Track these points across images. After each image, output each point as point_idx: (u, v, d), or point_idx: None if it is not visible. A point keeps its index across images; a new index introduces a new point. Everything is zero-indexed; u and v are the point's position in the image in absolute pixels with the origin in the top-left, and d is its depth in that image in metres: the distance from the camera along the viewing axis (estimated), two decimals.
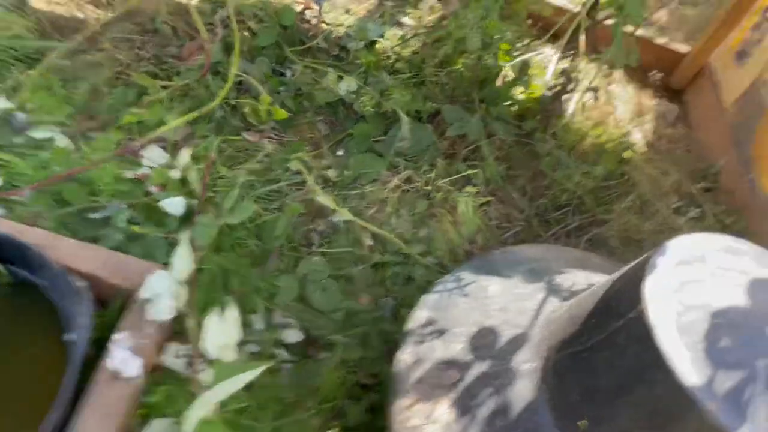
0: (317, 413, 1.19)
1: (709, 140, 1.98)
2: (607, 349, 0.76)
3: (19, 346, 1.02)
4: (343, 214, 1.44)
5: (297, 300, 1.33)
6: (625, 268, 0.82)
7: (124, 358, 1.04)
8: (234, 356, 0.87)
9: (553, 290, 0.98)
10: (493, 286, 1.01)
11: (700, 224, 1.74)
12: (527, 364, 0.87)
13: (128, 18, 1.65)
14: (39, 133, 1.38)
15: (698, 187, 1.85)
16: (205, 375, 0.86)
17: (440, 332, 0.95)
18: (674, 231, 1.73)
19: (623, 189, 1.73)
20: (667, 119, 2.12)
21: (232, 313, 0.85)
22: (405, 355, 0.94)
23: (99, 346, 1.08)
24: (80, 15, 1.66)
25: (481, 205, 1.59)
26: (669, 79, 2.27)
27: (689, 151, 2.01)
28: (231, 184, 1.46)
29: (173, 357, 1.17)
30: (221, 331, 0.83)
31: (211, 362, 1.10)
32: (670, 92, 2.26)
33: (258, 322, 1.28)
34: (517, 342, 0.91)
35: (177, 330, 1.21)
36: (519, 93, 1.75)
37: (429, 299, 1.03)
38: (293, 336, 1.28)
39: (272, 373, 1.21)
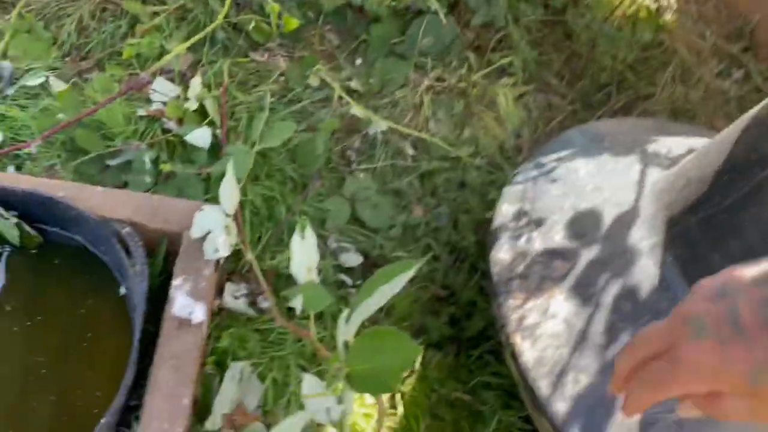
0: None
1: None
2: (754, 204, 0.67)
3: (73, 309, 0.92)
4: (380, 124, 1.32)
5: (349, 222, 1.23)
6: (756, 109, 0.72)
7: (186, 304, 0.95)
8: (317, 279, 0.78)
9: (650, 160, 0.88)
10: (582, 166, 0.91)
11: (746, 86, 1.64)
12: (645, 241, 0.78)
13: None
14: (31, 80, 1.23)
15: (737, 47, 1.73)
16: (295, 302, 0.76)
17: (536, 223, 0.86)
18: (722, 96, 1.63)
19: (662, 59, 1.61)
20: None
21: (310, 235, 0.74)
22: (501, 254, 0.85)
23: (152, 296, 0.98)
24: None
25: (520, 96, 1.47)
26: None
27: (719, 10, 1.88)
28: (251, 108, 1.32)
29: (232, 297, 1.08)
30: (305, 254, 0.73)
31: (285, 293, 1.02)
32: None
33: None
34: (626, 220, 0.82)
35: (230, 269, 1.12)
36: None
37: (512, 191, 0.93)
38: (352, 259, 1.19)
39: (340, 301, 1.13)
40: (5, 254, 0.97)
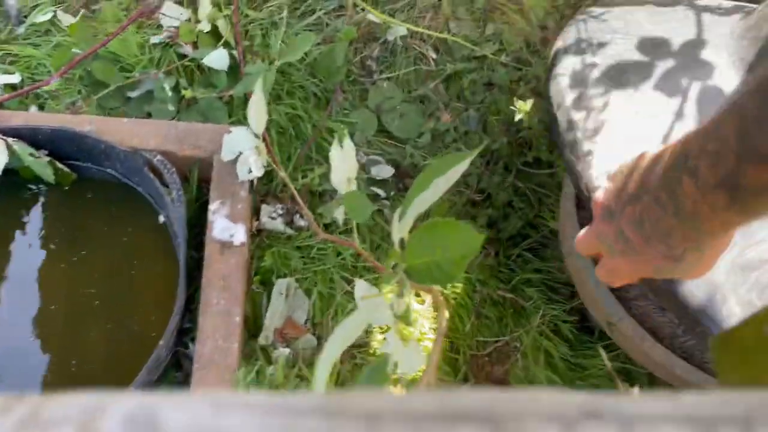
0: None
1: None
2: None
3: (116, 240, 0.94)
4: (399, 29, 1.27)
5: (377, 134, 1.21)
6: None
7: (226, 226, 0.95)
8: (356, 188, 0.77)
9: (705, 11, 0.85)
10: (639, 14, 0.87)
11: None
12: (723, 58, 0.76)
13: None
14: (40, 17, 1.19)
15: None
16: (338, 213, 0.76)
17: (599, 45, 0.83)
18: None
19: None
20: None
21: (349, 144, 0.73)
22: (562, 70, 0.83)
23: (191, 223, 0.99)
24: None
25: None
26: None
27: None
28: (264, 25, 1.28)
29: (269, 218, 1.09)
30: (344, 164, 0.72)
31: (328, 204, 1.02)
32: None
33: None
34: (702, 43, 0.80)
35: (263, 191, 1.12)
36: None
37: (568, 31, 0.89)
38: (384, 171, 1.17)
39: (377, 214, 1.12)
40: (41, 193, 0.98)
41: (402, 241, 0.44)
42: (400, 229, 0.42)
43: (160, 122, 1.02)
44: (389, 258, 0.45)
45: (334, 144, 0.79)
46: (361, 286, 0.66)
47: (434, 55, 1.30)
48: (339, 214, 0.76)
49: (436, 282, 0.40)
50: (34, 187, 0.98)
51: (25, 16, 1.22)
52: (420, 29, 1.26)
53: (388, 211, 1.16)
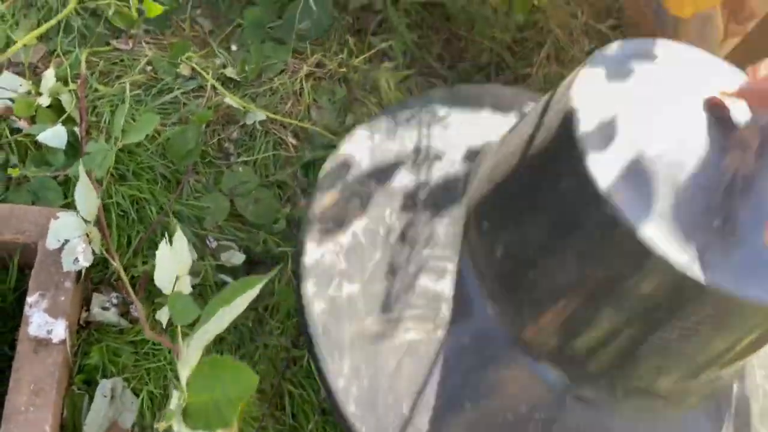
0: (282, 332, 1.09)
1: None
2: None
3: None
4: (258, 114, 1.27)
5: (229, 218, 1.17)
6: None
7: (44, 322, 0.87)
8: (189, 288, 0.73)
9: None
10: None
11: None
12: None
13: None
14: None
15: (606, 25, 1.81)
16: (161, 314, 0.71)
17: (436, 157, 0.86)
18: None
19: (538, 39, 1.66)
20: None
21: (181, 240, 0.70)
22: (404, 181, 0.85)
23: (6, 315, 0.89)
24: None
25: (402, 80, 1.46)
26: None
27: None
28: (113, 102, 1.23)
29: (100, 308, 1.01)
30: (173, 262, 0.68)
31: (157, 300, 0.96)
32: None
33: (191, 251, 1.12)
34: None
35: (97, 279, 1.04)
36: None
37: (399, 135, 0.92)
38: (235, 258, 1.14)
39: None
40: None
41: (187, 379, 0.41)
42: (183, 365, 0.39)
43: None
44: (166, 417, 0.41)
45: (163, 241, 0.75)
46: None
47: (294, 141, 1.31)
48: (163, 316, 0.72)
49: (214, 426, 0.37)
50: None
51: None
52: (279, 117, 1.27)
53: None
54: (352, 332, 0.76)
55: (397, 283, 0.78)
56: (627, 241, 0.64)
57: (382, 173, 0.88)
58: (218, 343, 1.06)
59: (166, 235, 0.75)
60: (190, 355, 0.40)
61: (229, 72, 1.36)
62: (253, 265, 1.16)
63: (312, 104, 1.36)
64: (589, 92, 0.73)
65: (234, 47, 1.44)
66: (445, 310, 0.76)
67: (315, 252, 0.83)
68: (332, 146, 1.30)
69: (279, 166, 1.27)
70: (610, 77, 0.76)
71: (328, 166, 0.92)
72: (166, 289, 0.73)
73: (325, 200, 0.85)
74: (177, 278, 0.74)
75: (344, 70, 1.41)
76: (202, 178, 1.21)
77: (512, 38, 1.60)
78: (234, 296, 0.39)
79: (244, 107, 1.25)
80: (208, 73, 1.30)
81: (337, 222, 0.83)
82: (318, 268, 0.81)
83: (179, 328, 0.73)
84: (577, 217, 0.70)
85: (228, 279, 1.11)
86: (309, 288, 0.80)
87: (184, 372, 0.40)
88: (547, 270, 0.75)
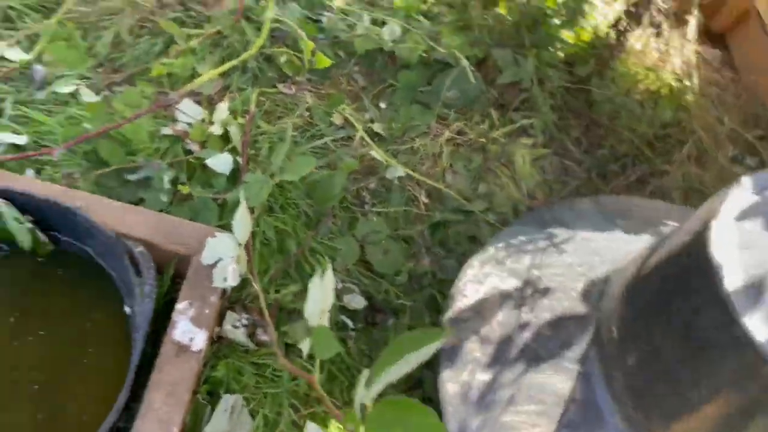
0: (392, 384, 1.10)
1: (759, 85, 1.89)
2: None
3: (75, 322, 0.91)
4: (398, 170, 1.33)
5: (357, 263, 1.23)
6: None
7: (188, 330, 0.94)
8: (327, 323, 0.77)
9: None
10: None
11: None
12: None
13: None
14: (62, 88, 1.24)
15: (753, 134, 1.76)
16: (303, 345, 0.76)
17: (544, 292, 0.86)
18: (735, 179, 1.64)
19: (680, 137, 1.64)
20: (713, 65, 2.02)
21: (330, 278, 0.74)
22: (504, 323, 0.85)
23: (155, 316, 0.98)
24: None
25: (538, 158, 1.49)
26: (710, 23, 2.16)
27: (739, 96, 1.92)
28: (273, 140, 1.34)
29: (232, 326, 1.08)
30: (321, 296, 0.73)
31: (301, 330, 1.02)
32: (712, 37, 2.16)
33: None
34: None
35: (233, 299, 1.12)
36: (571, 36, 1.63)
37: (512, 262, 0.93)
38: (357, 302, 1.18)
39: (341, 343, 1.12)
40: (13, 258, 0.96)
41: (363, 407, 0.44)
42: (365, 395, 0.43)
43: (151, 213, 1.03)
44: (347, 419, 0.45)
45: (316, 273, 0.80)
46: (311, 429, 0.64)
47: (426, 200, 1.35)
48: (304, 346, 0.76)
49: None
50: (6, 248, 0.97)
51: (49, 83, 1.26)
52: (417, 174, 1.33)
53: (353, 344, 1.15)
54: (481, 418, 0.77)
55: (525, 378, 0.78)
56: None
57: (503, 296, 0.90)
58: (332, 381, 1.10)
59: (319, 269, 0.81)
60: (371, 392, 0.43)
61: (376, 127, 1.45)
62: (371, 312, 1.19)
63: (448, 168, 1.41)
64: (729, 241, 0.71)
65: (383, 105, 1.53)
66: (573, 413, 0.75)
67: (453, 339, 0.85)
68: (462, 211, 1.34)
69: (409, 222, 1.32)
70: (748, 221, 0.74)
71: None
72: (313, 321, 0.77)
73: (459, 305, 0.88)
74: (322, 312, 0.79)
75: (483, 140, 1.46)
76: (339, 221, 1.28)
77: (654, 133, 1.59)
78: (422, 344, 0.42)
79: (387, 161, 1.32)
80: (358, 126, 1.39)
81: (476, 314, 0.86)
82: (455, 353, 0.83)
83: (318, 361, 0.78)
84: (718, 348, 0.68)
85: (348, 321, 1.16)
86: (445, 371, 0.82)
87: (362, 402, 0.43)
88: (679, 386, 0.73)
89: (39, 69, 1.26)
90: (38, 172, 1.14)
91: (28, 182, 1.02)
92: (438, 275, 1.26)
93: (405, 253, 1.27)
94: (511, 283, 0.93)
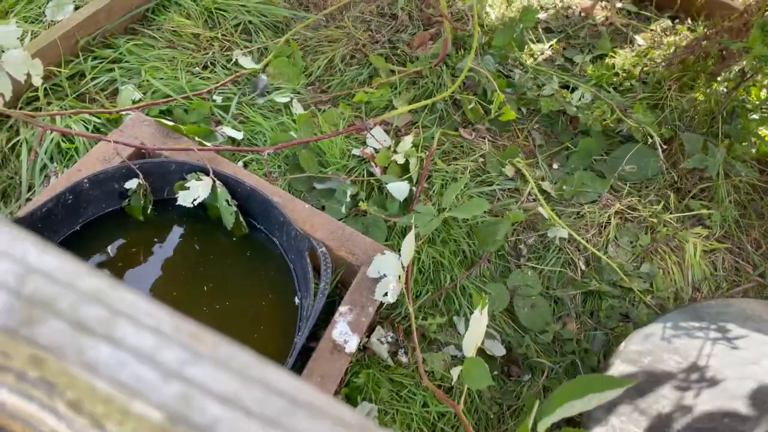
0: None
1: None
2: None
3: (253, 299, 1.03)
4: (562, 231, 1.34)
5: (503, 311, 1.25)
6: None
7: (345, 331, 1.02)
8: (475, 355, 0.81)
9: None
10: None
11: None
12: None
13: (369, 0, 1.67)
14: (280, 98, 1.41)
15: None
16: (454, 372, 0.80)
17: (711, 382, 0.82)
18: None
19: None
20: None
21: (485, 314, 0.78)
22: (663, 401, 0.83)
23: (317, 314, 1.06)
24: None
25: (710, 251, 1.42)
26: None
27: None
28: (446, 178, 1.41)
29: (378, 340, 1.14)
30: (478, 330, 0.77)
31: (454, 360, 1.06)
32: None
33: (460, 324, 1.22)
34: None
35: (384, 315, 1.18)
36: None
37: (680, 344, 0.90)
38: (496, 349, 1.20)
39: None
40: (214, 234, 1.10)
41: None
42: (541, 424, 0.45)
43: (332, 219, 1.14)
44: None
45: (477, 309, 0.84)
46: None
47: (584, 267, 1.35)
48: (455, 373, 0.80)
49: None
50: (209, 225, 1.12)
51: (269, 92, 1.44)
52: (581, 239, 1.33)
53: (485, 389, 1.17)
54: None
55: None
56: None
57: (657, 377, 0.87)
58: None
59: (481, 305, 0.84)
60: (543, 424, 0.46)
61: (546, 185, 1.47)
62: (508, 362, 1.20)
63: (613, 240, 1.39)
64: None
65: (556, 165, 1.55)
66: None
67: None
68: (620, 286, 1.32)
69: (562, 284, 1.32)
70: None
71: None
72: (468, 351, 0.81)
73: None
74: (475, 345, 0.83)
75: (654, 220, 1.43)
76: (492, 266, 1.31)
77: None
78: (606, 387, 0.44)
79: (552, 220, 1.34)
80: (530, 179, 1.43)
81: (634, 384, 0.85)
82: (608, 414, 0.83)
83: (466, 389, 0.81)
84: None
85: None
86: (596, 427, 0.82)
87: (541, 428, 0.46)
88: None
89: (263, 78, 1.45)
90: (245, 165, 1.30)
91: (239, 171, 1.17)
92: (583, 344, 1.24)
93: (552, 314, 1.27)
94: (675, 365, 0.90)
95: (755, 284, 1.42)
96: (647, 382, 0.85)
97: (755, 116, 1.57)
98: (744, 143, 1.52)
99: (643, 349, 0.95)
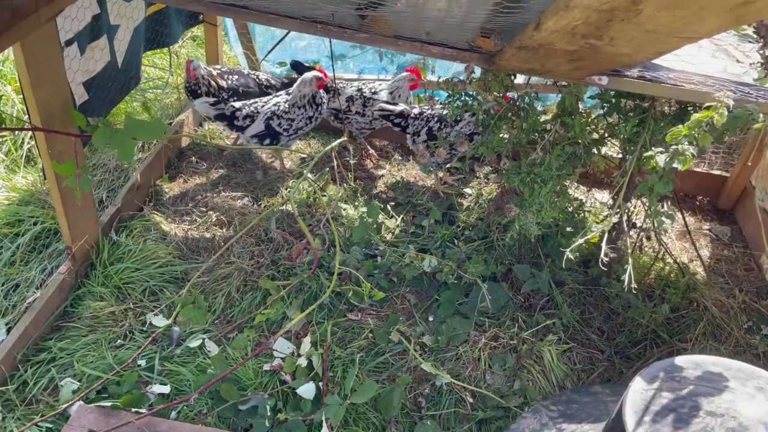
0: None
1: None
2: None
3: None
4: (445, 378, 1.66)
5: None
6: None
7: None
8: None
9: None
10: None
11: None
12: None
13: (246, 233, 2.04)
14: (192, 342, 1.71)
15: (765, 303, 1.97)
16: None
17: None
18: (752, 350, 1.83)
19: (694, 316, 1.87)
20: (723, 241, 2.28)
21: None
22: None
23: None
24: (209, 236, 2.06)
25: (564, 351, 1.78)
26: (716, 201, 2.45)
27: (749, 269, 2.14)
28: (345, 362, 1.72)
29: None
30: None
31: None
32: (720, 214, 2.42)
33: None
34: None
35: None
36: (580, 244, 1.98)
37: None
38: None
39: None
40: None
41: None
42: None
43: None
44: None
45: None
46: None
47: (471, 400, 1.66)
48: None
49: None
50: None
51: (183, 340, 1.74)
52: (459, 382, 1.65)
53: None
54: None
55: None
56: None
57: None
58: None
59: None
60: None
61: (426, 339, 1.81)
62: None
63: (487, 370, 1.72)
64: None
65: (431, 318, 1.90)
66: None
67: None
68: (501, 407, 1.63)
69: (458, 421, 1.62)
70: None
71: None
72: None
73: None
74: None
75: (514, 342, 1.78)
76: (401, 426, 1.60)
77: (665, 317, 1.84)
78: None
79: (435, 372, 1.66)
80: (410, 342, 1.76)
81: None
82: None
83: None
84: None
85: None
86: None
87: None
88: None
89: (176, 330, 1.74)
90: (178, 413, 1.56)
91: (174, 425, 1.43)
92: None
93: None
94: None
95: (605, 366, 1.78)
96: None
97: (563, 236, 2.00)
98: (562, 258, 1.94)
99: None
